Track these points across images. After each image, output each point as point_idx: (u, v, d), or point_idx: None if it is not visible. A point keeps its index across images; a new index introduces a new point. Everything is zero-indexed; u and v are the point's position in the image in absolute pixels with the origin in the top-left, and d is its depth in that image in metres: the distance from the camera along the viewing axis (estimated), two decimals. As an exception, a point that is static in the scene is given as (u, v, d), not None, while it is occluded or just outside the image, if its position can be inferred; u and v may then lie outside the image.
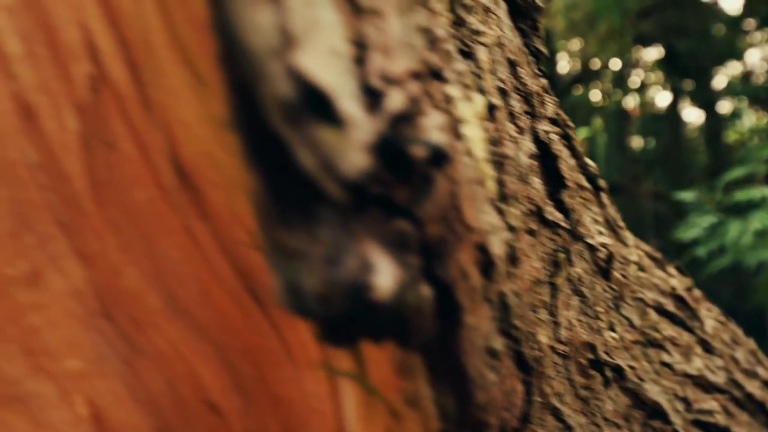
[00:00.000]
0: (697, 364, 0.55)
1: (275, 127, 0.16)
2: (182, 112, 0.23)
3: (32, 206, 0.24)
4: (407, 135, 0.19)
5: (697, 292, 0.64)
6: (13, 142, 0.23)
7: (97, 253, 0.25)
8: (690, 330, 0.57)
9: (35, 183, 0.24)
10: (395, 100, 0.19)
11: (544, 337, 0.34)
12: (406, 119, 0.20)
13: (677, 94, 4.99)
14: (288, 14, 0.16)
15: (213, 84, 0.22)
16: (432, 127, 0.21)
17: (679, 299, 0.57)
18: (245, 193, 0.24)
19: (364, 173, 0.17)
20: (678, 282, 0.58)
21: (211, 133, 0.23)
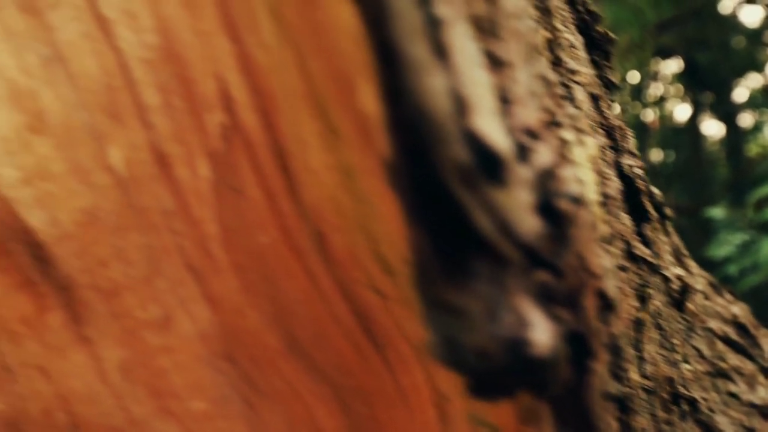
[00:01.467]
0: (761, 393, 0.55)
1: (451, 190, 0.16)
2: (310, 159, 0.24)
3: (164, 251, 0.24)
4: (554, 189, 0.20)
5: (752, 318, 0.64)
6: (149, 189, 0.24)
7: (223, 296, 0.25)
8: (752, 358, 0.56)
9: (168, 229, 0.24)
10: (543, 156, 0.20)
11: (633, 374, 0.34)
12: (550, 173, 0.20)
13: (697, 107, 4.96)
14: (457, 77, 0.17)
15: (346, 134, 0.23)
16: (571, 178, 0.21)
17: (740, 327, 0.57)
18: (366, 237, 0.25)
19: (538, 234, 0.17)
20: (739, 309, 0.58)
21: (336, 179, 0.24)
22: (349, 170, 0.23)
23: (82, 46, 0.23)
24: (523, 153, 0.19)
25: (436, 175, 0.16)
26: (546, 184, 0.19)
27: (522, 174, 0.18)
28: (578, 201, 0.21)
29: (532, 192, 0.18)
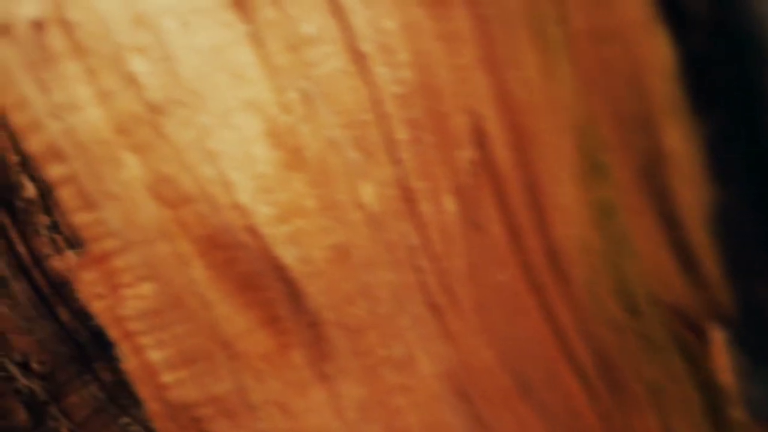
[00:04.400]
0: None
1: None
2: (563, 196, 0.23)
3: (407, 288, 0.24)
4: None
5: None
6: (395, 225, 0.23)
7: (460, 334, 0.24)
8: None
9: (411, 265, 0.24)
10: None
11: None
12: None
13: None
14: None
15: (616, 173, 0.22)
16: None
17: None
18: (611, 275, 0.24)
19: None
20: None
21: (589, 216, 0.23)
22: (608, 208, 0.23)
23: (338, 82, 0.22)
24: None
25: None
26: None
27: None
28: None
29: None
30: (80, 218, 0.23)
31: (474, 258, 0.24)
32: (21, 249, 0.45)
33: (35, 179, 0.47)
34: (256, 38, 0.22)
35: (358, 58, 0.22)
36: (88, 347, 0.48)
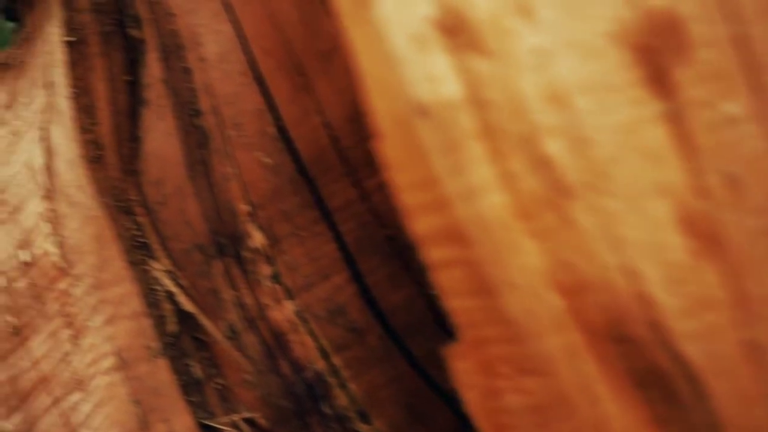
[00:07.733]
0: None
1: None
2: None
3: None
4: None
5: None
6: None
7: None
8: None
9: None
10: None
11: None
12: None
13: None
14: None
15: None
16: None
17: None
18: None
19: None
20: None
21: None
22: None
23: (758, 165, 0.21)
24: None
25: None
26: None
27: None
28: None
29: None
30: (461, 303, 0.22)
31: None
32: (248, 300, 0.45)
33: (264, 228, 0.46)
34: (674, 117, 0.20)
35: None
36: (304, 401, 0.47)
